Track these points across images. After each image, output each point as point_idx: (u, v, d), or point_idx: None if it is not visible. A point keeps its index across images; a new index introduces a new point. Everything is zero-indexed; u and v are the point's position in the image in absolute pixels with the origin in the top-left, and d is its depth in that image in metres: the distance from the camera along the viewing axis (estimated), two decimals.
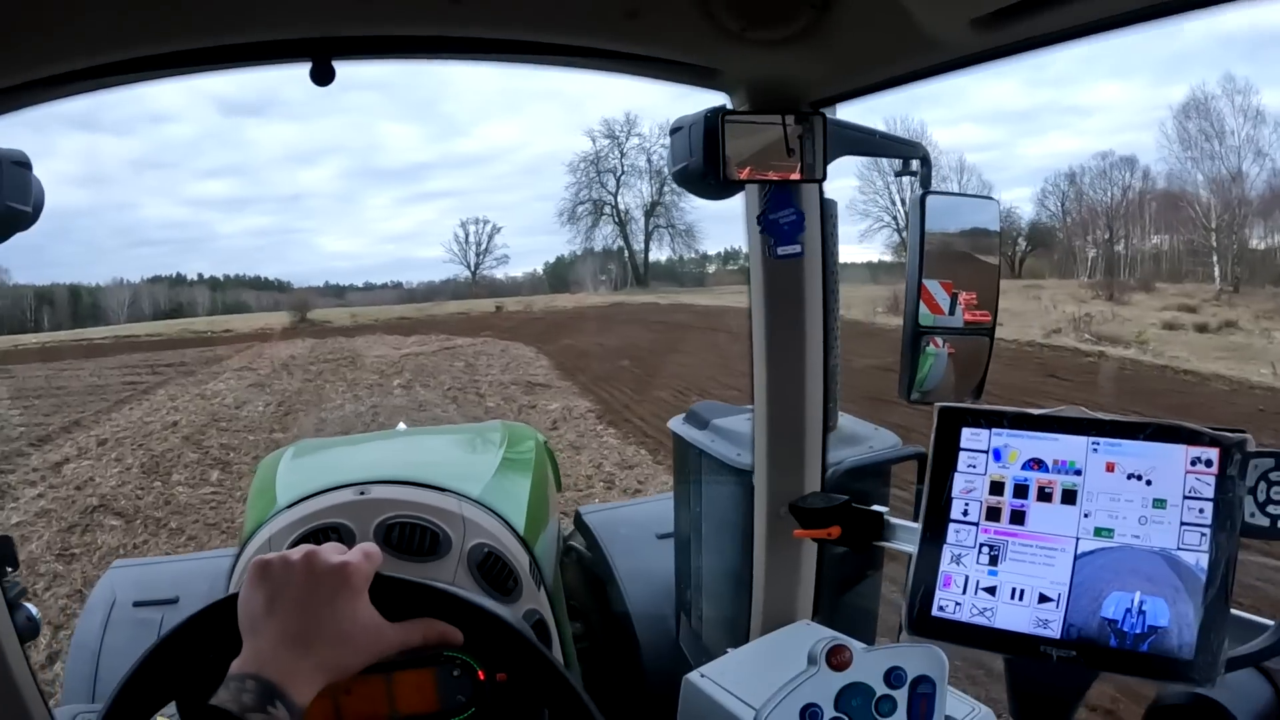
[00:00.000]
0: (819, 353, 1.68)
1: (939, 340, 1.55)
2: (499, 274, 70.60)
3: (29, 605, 1.63)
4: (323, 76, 1.37)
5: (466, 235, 71.01)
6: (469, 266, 70.18)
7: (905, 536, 1.51)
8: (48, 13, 1.16)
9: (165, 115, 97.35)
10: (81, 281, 65.20)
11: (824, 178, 1.57)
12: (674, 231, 64.88)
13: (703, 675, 1.54)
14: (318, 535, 1.76)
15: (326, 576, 0.99)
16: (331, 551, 1.03)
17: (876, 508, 1.57)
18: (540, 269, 73.90)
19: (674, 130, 1.63)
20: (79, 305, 62.56)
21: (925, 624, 1.15)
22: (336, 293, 73.20)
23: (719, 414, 2.21)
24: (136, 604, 2.74)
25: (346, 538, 1.75)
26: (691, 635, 2.34)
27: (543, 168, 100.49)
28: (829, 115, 1.54)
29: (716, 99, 1.58)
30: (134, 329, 46.61)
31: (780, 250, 1.61)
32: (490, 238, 70.86)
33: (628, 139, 64.08)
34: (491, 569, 1.82)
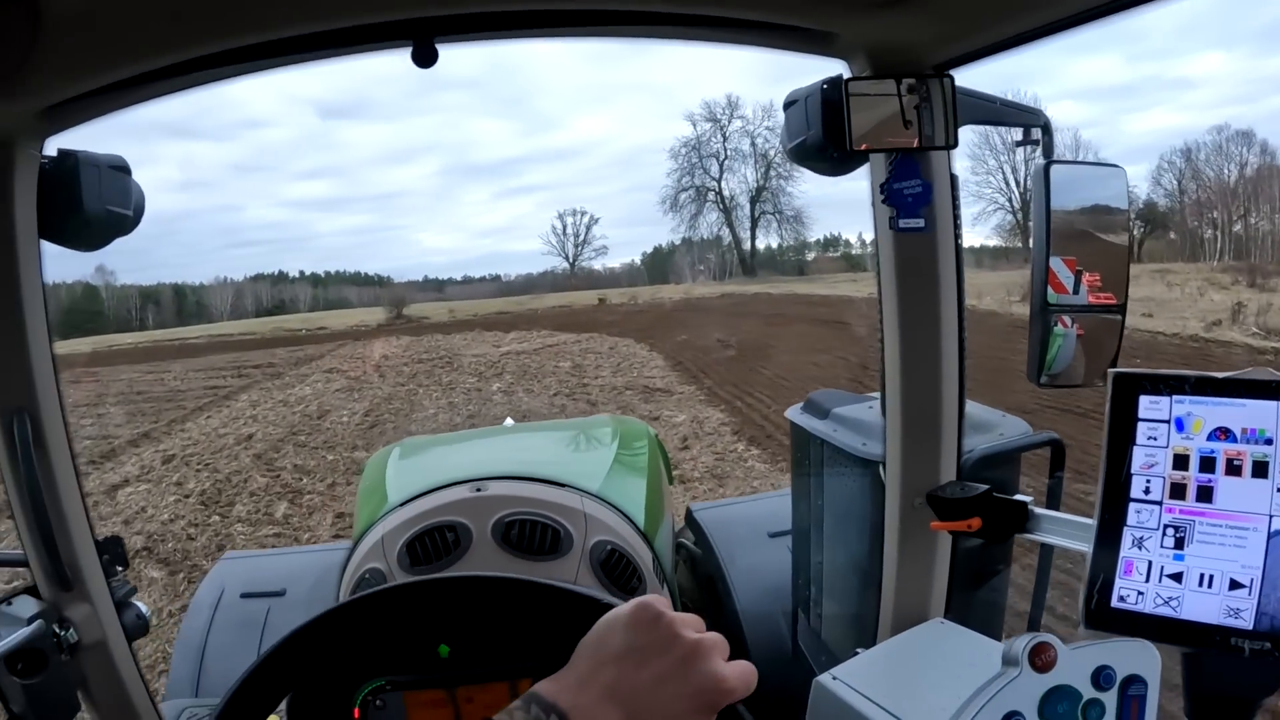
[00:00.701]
0: (954, 332, 1.58)
1: (1067, 320, 1.45)
2: (597, 265, 70.07)
3: (138, 603, 1.68)
4: (425, 58, 1.39)
5: (564, 227, 70.54)
6: (567, 258, 69.77)
7: (1050, 528, 1.45)
8: (144, 6, 1.18)
9: (262, 120, 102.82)
10: (186, 281, 69.20)
11: (954, 144, 1.49)
12: (781, 217, 62.95)
13: (835, 678, 1.44)
14: (433, 534, 1.78)
15: (705, 678, 0.84)
16: (718, 650, 0.87)
17: (1019, 497, 1.50)
18: (638, 260, 73.21)
19: (788, 104, 1.57)
20: (183, 304, 65.28)
21: (1104, 617, 1.05)
22: (436, 287, 74.70)
23: (839, 402, 2.10)
24: (244, 595, 2.78)
25: (463, 536, 1.78)
26: (810, 634, 2.25)
27: (635, 159, 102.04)
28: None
29: (831, 69, 1.53)
30: (228, 328, 48.43)
31: (902, 223, 1.52)
32: (588, 229, 70.10)
33: (730, 122, 62.35)
34: (615, 567, 1.78)
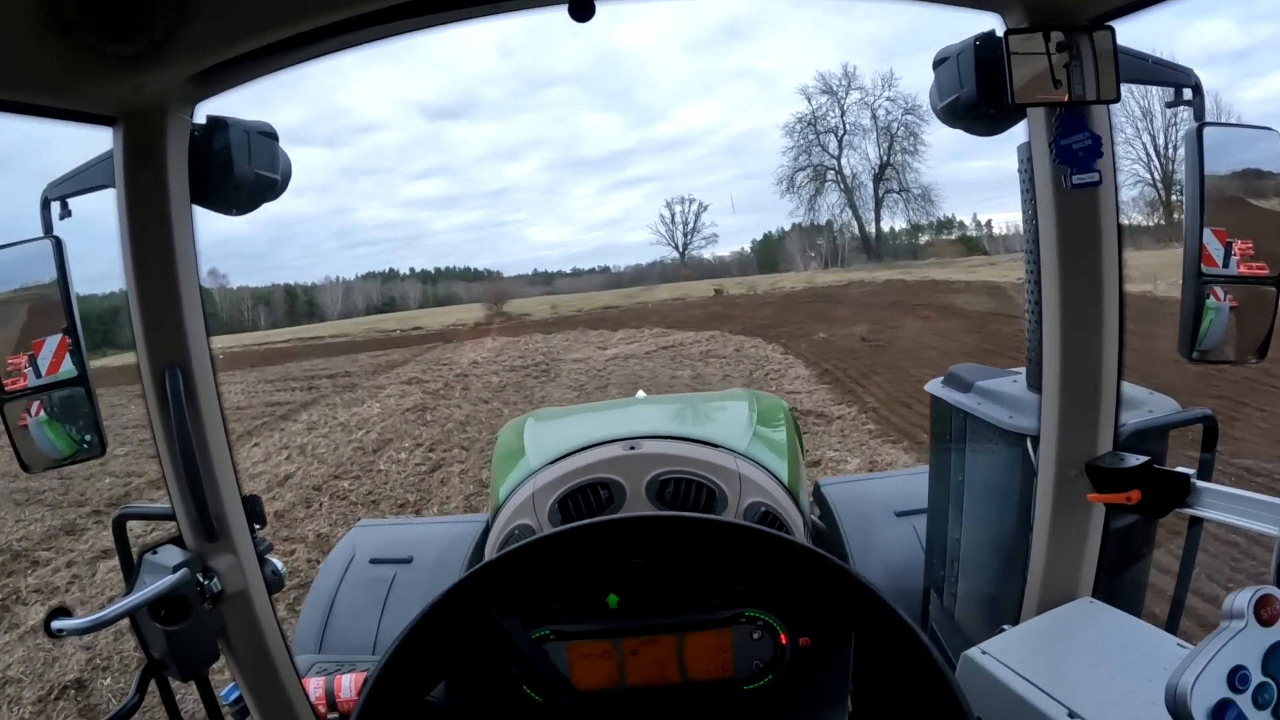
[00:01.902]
0: (1115, 297, 1.55)
1: (1219, 292, 1.42)
2: (707, 254, 68.88)
3: (274, 560, 1.73)
4: (582, 11, 1.37)
5: (673, 215, 69.16)
6: (677, 247, 68.57)
7: (1216, 503, 1.41)
8: None
9: (373, 125, 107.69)
10: (299, 281, 71.61)
11: (1117, 98, 1.45)
12: (907, 195, 58.45)
13: (984, 652, 1.45)
14: (585, 491, 1.85)
15: None
16: None
17: (1182, 469, 1.46)
18: (747, 247, 71.22)
19: (938, 62, 1.56)
20: (294, 304, 67.25)
21: None
22: (545, 280, 75.24)
23: (981, 376, 2.08)
24: (373, 561, 2.93)
25: (616, 493, 1.84)
26: (943, 613, 2.25)
27: (742, 147, 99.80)
28: None
29: (982, 23, 1.52)
30: (325, 329, 48.72)
31: (1077, 179, 1.49)
32: (697, 216, 68.65)
33: (847, 94, 58.58)
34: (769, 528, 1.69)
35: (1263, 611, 0.88)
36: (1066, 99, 1.42)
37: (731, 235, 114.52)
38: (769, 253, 67.54)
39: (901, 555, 2.44)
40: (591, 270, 78.62)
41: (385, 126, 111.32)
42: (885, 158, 58.24)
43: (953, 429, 2.13)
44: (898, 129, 57.16)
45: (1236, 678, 0.87)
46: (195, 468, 1.56)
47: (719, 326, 26.67)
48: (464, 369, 22.60)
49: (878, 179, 58.85)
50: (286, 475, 11.92)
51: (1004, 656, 1.41)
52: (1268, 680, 0.88)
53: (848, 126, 58.75)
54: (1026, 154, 1.61)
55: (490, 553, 1.90)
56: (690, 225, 68.36)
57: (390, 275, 74.83)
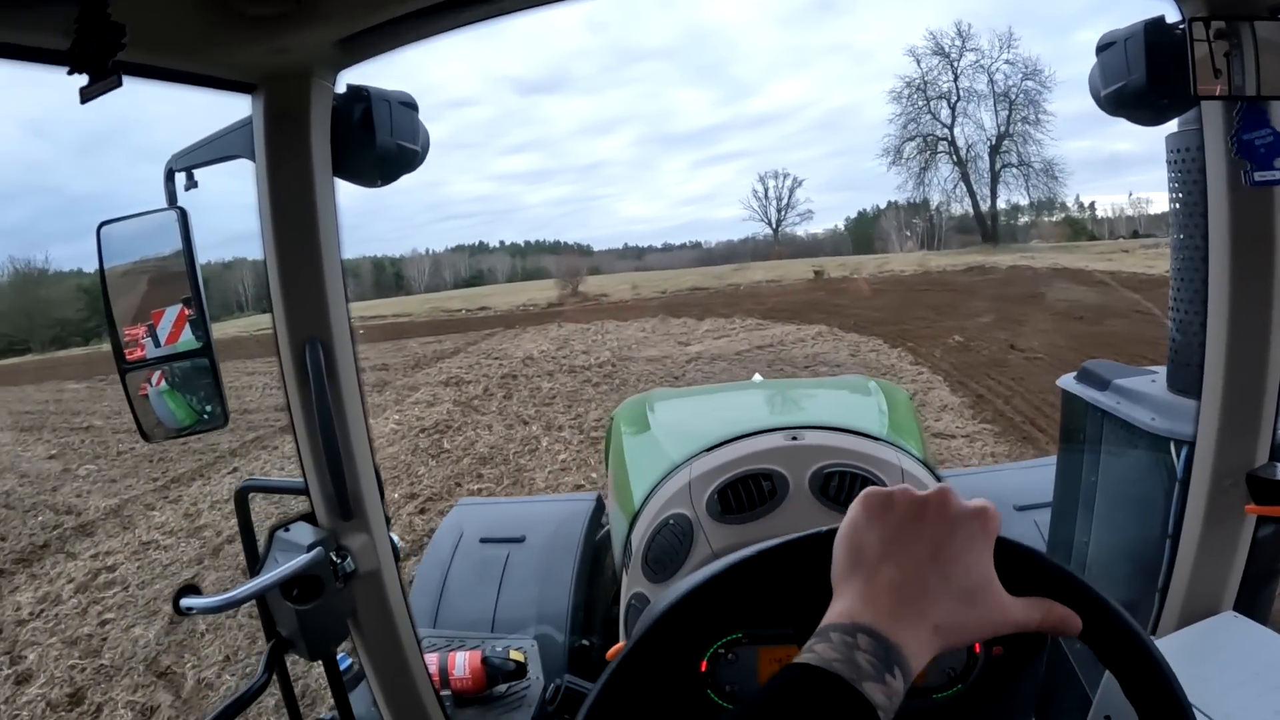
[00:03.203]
0: None
1: None
2: (800, 231, 67.79)
3: (393, 535, 1.74)
4: None
5: (766, 190, 66.95)
6: (770, 223, 66.73)
7: None
8: None
9: (465, 100, 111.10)
10: (388, 254, 72.70)
11: None
12: (1028, 170, 52.66)
13: None
14: (746, 482, 1.82)
15: (963, 521, 0.86)
16: (956, 496, 0.89)
17: None
18: (841, 225, 69.86)
19: (1103, 47, 1.53)
20: (381, 276, 68.39)
21: None
22: (635, 254, 75.33)
23: (1120, 374, 2.03)
24: (483, 540, 3.00)
25: (779, 485, 1.80)
26: None
27: (836, 122, 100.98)
28: None
29: (1136, 4, 1.50)
30: (386, 307, 45.84)
31: (1259, 176, 1.43)
32: (791, 192, 66.52)
33: (961, 56, 53.49)
34: None
35: None
36: (1255, 93, 1.36)
37: (825, 212, 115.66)
38: (864, 231, 65.63)
39: None
40: (682, 246, 78.05)
41: (477, 101, 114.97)
42: (1004, 128, 52.72)
43: (1086, 427, 2.10)
44: (1017, 96, 51.96)
45: None
46: (334, 444, 1.56)
47: (825, 319, 23.00)
48: (514, 367, 19.63)
49: (994, 151, 53.44)
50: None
51: None
52: None
53: (961, 92, 53.60)
54: (1188, 143, 1.58)
55: (640, 541, 1.91)
56: (784, 201, 65.94)
57: (479, 248, 76.32)
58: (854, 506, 0.90)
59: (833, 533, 1.02)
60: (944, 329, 19.15)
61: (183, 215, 1.49)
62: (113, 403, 20.14)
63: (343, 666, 1.81)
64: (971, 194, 54.45)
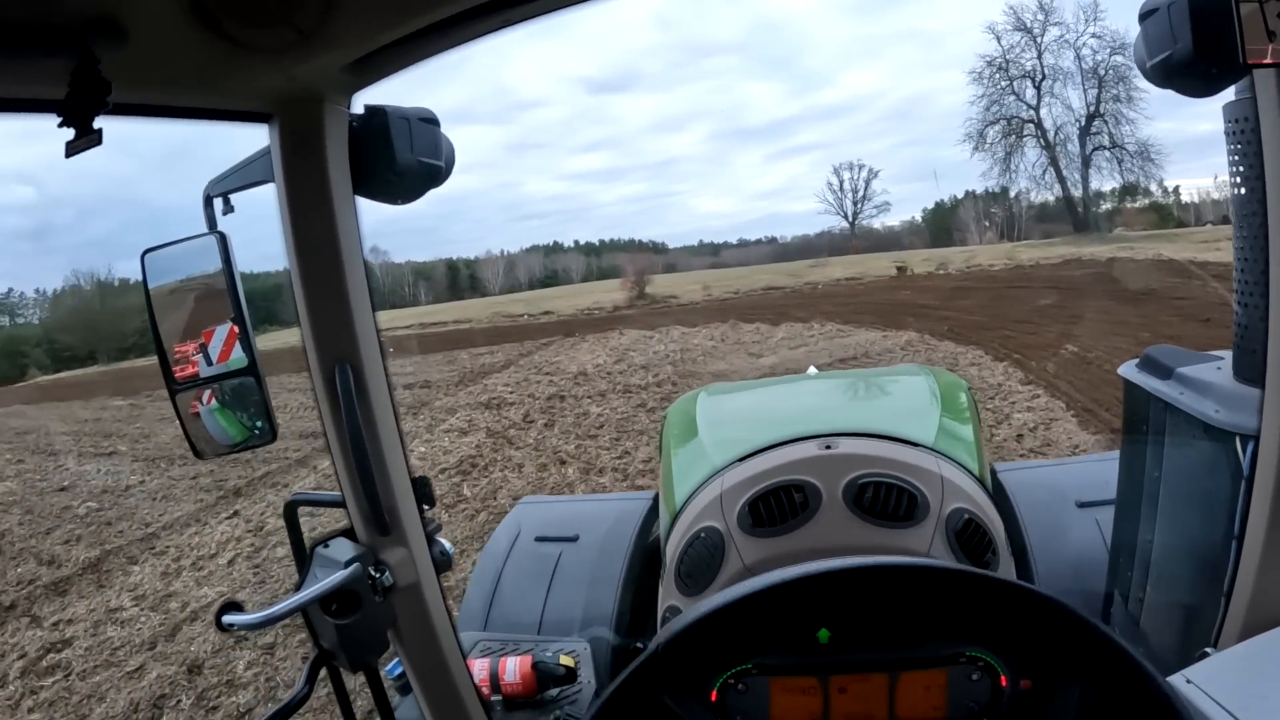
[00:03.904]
0: None
1: None
2: (876, 224, 64.06)
3: (443, 540, 1.79)
4: None
5: (840, 182, 62.76)
6: (846, 216, 63.07)
7: None
8: None
9: (536, 101, 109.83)
10: (462, 256, 72.91)
11: None
12: (1121, 153, 47.76)
13: (1189, 681, 1.34)
14: (778, 493, 1.82)
15: None
16: None
17: None
18: (918, 216, 65.77)
19: (1145, 15, 1.49)
20: (456, 278, 67.67)
21: None
22: (711, 251, 72.50)
23: (1184, 361, 1.95)
24: (538, 539, 3.02)
25: (811, 497, 1.80)
26: (1128, 620, 2.14)
27: (911, 111, 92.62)
28: None
29: None
30: (447, 313, 43.80)
31: None
32: (867, 184, 62.39)
33: (1044, 31, 48.48)
34: (970, 538, 1.77)
35: None
36: None
37: (900, 204, 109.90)
38: (942, 222, 61.58)
39: (1083, 551, 2.32)
40: (758, 241, 74.89)
41: (548, 102, 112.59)
42: (1094, 107, 48.24)
43: (1149, 419, 2.02)
44: (1106, 72, 47.44)
45: None
46: (367, 463, 1.59)
47: (913, 322, 20.76)
48: (563, 385, 17.81)
49: (1084, 133, 48.90)
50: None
51: (1210, 687, 1.30)
52: None
53: (1046, 70, 49.07)
54: (1241, 114, 1.52)
55: (673, 553, 1.92)
56: (860, 193, 62.43)
57: (554, 248, 74.57)
58: None
59: (829, 573, 1.11)
60: (1054, 336, 16.66)
61: (222, 239, 1.54)
62: (146, 423, 20.23)
63: (396, 673, 1.87)
64: (1061, 179, 50.45)
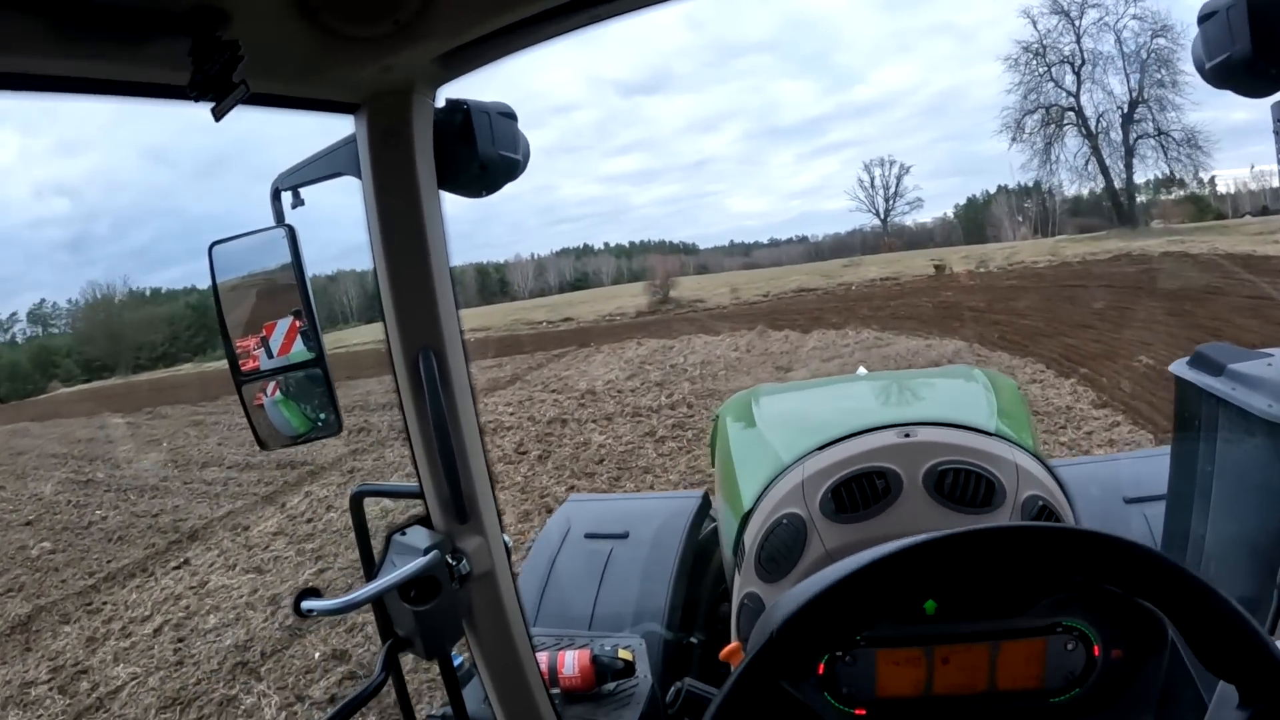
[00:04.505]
0: None
1: None
2: (908, 221, 63.23)
3: (505, 536, 1.80)
4: None
5: (872, 179, 61.80)
6: (878, 213, 62.30)
7: None
8: None
9: (570, 105, 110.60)
10: (492, 260, 72.84)
11: None
12: (1167, 141, 45.03)
13: None
14: (860, 480, 1.84)
15: None
16: None
17: None
18: (950, 213, 64.80)
19: (1204, 17, 1.49)
20: (486, 282, 67.29)
21: None
22: (742, 251, 72.38)
23: (1236, 358, 1.99)
24: (588, 535, 3.06)
25: (893, 483, 1.83)
26: None
27: (944, 106, 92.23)
28: None
29: None
30: (470, 319, 38.54)
31: None
32: (899, 180, 61.52)
33: (1082, 14, 45.99)
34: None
35: None
36: None
37: (934, 199, 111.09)
38: (975, 217, 60.68)
39: None
40: (789, 240, 74.55)
41: (582, 106, 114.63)
42: (1136, 93, 45.60)
43: (1202, 415, 2.06)
44: (1148, 56, 44.88)
45: None
46: (450, 450, 1.61)
47: (960, 328, 19.13)
48: (568, 406, 16.27)
49: (1126, 120, 46.27)
50: None
51: None
52: None
53: (1085, 55, 46.64)
54: None
55: (753, 540, 1.93)
56: (892, 189, 61.52)
57: (584, 251, 74.51)
58: None
59: (924, 544, 1.13)
60: (1122, 344, 14.76)
61: (291, 232, 1.57)
62: (135, 445, 20.02)
63: (459, 660, 1.91)
64: (1104, 169, 48.00)
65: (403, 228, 1.54)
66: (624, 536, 2.94)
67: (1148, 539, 2.32)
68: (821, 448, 2.01)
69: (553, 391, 17.77)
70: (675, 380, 17.18)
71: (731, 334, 22.99)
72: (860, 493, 1.81)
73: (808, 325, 22.79)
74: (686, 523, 2.96)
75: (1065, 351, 14.82)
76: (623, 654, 2.21)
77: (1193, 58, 1.52)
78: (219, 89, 1.16)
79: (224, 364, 1.63)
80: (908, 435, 1.90)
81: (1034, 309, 20.31)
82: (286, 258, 1.55)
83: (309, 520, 11.57)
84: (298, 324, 1.56)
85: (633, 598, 2.73)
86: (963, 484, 1.75)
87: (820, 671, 1.39)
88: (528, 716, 1.85)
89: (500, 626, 1.76)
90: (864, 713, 1.42)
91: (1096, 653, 1.35)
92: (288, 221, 1.60)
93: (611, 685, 2.19)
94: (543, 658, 2.10)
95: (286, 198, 1.65)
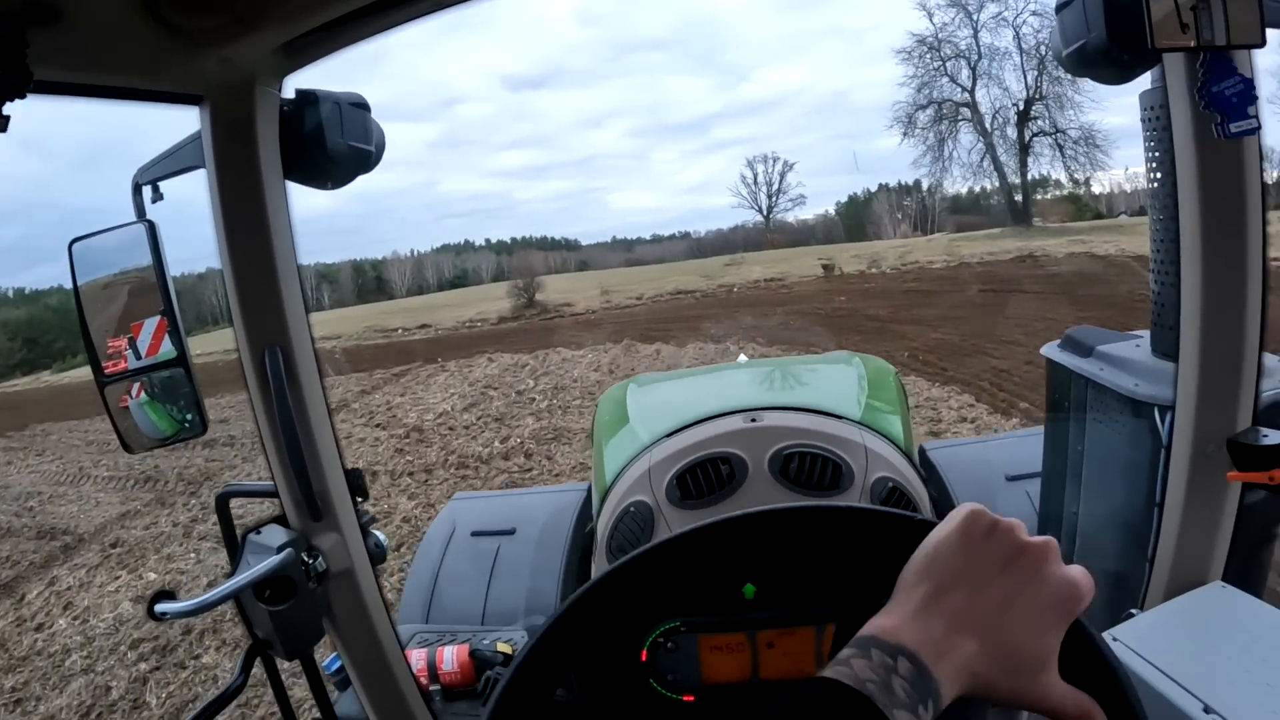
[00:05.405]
0: (1259, 257, 1.51)
1: None
2: (790, 218, 65.51)
3: (378, 533, 1.80)
4: None
5: (755, 175, 63.93)
6: (760, 210, 63.93)
7: None
8: None
9: (459, 98, 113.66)
10: (370, 256, 71.76)
11: (1262, 42, 1.41)
12: (1064, 139, 45.49)
13: (1115, 639, 1.43)
14: (705, 466, 1.84)
15: (1052, 585, 0.81)
16: (1055, 552, 0.85)
17: None
18: (832, 210, 68.78)
19: (1061, 6, 1.55)
20: (363, 281, 65.77)
21: None
22: (625, 247, 75.53)
23: (1102, 340, 2.06)
24: (474, 534, 3.01)
25: (738, 468, 1.83)
26: None
27: (833, 106, 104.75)
28: None
29: None
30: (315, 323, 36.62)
31: (1234, 127, 1.42)
32: (782, 176, 63.36)
33: (981, 8, 46.44)
34: (895, 505, 1.81)
35: None
36: (1209, 43, 1.37)
37: (820, 197, 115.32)
38: (855, 215, 63.44)
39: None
40: (672, 236, 78.19)
41: (470, 99, 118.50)
42: (1034, 91, 46.31)
43: (1071, 396, 2.13)
44: (1047, 52, 45.04)
45: None
46: (298, 447, 1.60)
47: (858, 345, 15.48)
48: (382, 455, 12.64)
49: (1023, 118, 46.97)
50: None
51: (1137, 644, 1.40)
52: None
53: (983, 50, 47.00)
54: (1157, 100, 1.61)
55: (604, 529, 1.91)
56: (775, 186, 63.14)
57: (465, 247, 75.00)
58: (955, 518, 0.86)
59: (737, 518, 1.13)
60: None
61: (151, 228, 1.53)
62: None
63: (334, 668, 1.88)
64: (998, 167, 48.57)
65: (247, 222, 1.53)
66: (511, 533, 2.92)
67: (1030, 515, 2.39)
68: (669, 435, 2.01)
69: (376, 426, 14.51)
70: (519, 415, 14.14)
71: (595, 347, 20.48)
72: (705, 478, 1.80)
73: (683, 337, 20.70)
74: (573, 515, 2.94)
75: (995, 376, 12.59)
76: (502, 647, 2.18)
77: (1050, 46, 1.62)
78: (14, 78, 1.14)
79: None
80: (754, 420, 1.90)
81: (945, 319, 18.50)
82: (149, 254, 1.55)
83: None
84: (165, 323, 1.53)
85: (522, 593, 2.71)
86: (808, 467, 1.75)
87: (644, 658, 1.39)
88: (399, 713, 1.85)
89: (364, 625, 1.75)
90: (692, 699, 1.42)
91: None
92: (148, 217, 1.58)
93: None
94: (421, 654, 2.09)
95: (147, 192, 1.60)
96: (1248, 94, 1.39)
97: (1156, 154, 1.67)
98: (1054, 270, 24.78)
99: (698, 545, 1.18)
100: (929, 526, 1.00)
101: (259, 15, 1.27)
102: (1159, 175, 1.67)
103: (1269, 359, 1.72)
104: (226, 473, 12.60)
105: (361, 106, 1.62)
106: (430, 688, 2.00)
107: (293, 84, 1.55)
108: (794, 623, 1.37)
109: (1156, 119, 1.64)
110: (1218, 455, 1.54)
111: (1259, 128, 1.40)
